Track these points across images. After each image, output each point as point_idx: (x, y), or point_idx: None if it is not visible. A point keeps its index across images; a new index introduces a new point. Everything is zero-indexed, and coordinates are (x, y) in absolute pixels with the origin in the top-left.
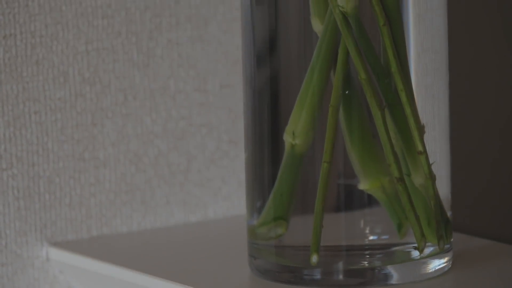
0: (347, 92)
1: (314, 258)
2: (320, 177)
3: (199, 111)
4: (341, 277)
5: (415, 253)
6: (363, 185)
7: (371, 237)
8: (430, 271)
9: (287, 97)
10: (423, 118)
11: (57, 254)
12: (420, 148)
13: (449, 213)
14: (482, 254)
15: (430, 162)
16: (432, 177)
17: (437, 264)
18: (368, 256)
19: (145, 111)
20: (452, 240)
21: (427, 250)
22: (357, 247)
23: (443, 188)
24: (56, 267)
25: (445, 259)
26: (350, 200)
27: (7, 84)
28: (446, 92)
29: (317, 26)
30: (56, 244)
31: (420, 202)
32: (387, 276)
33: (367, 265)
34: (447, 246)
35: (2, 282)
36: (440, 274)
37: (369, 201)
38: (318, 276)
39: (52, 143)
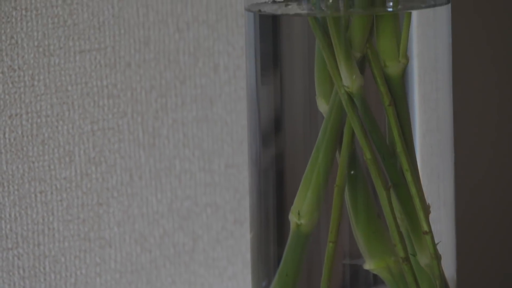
0: (352, 172)
1: None
2: (326, 257)
3: (204, 191)
4: None
5: None
6: (368, 265)
7: None
8: None
9: (292, 176)
10: (428, 198)
11: None
12: (425, 228)
13: None
14: None
15: (436, 242)
16: (437, 257)
17: None
18: None
19: (150, 191)
20: None
21: None
22: None
23: (449, 268)
24: None
25: None
26: (356, 280)
27: (13, 164)
28: (451, 173)
29: (323, 106)
30: None
31: (426, 282)
32: None
33: None
34: None
35: None
36: None
37: (375, 281)
38: None
39: (57, 222)
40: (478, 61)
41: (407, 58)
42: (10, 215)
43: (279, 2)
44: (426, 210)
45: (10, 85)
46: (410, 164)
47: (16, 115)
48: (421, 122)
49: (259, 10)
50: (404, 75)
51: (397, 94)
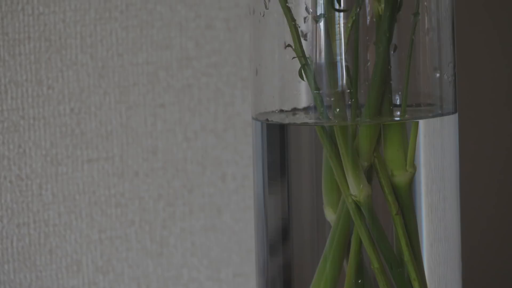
0: (360, 281)
1: None
2: None
3: None
4: None
5: None
6: None
7: None
8: None
9: (300, 286)
10: None
11: None
12: None
13: None
14: None
15: None
16: None
17: None
18: None
19: None
20: None
21: None
22: None
23: None
24: None
25: None
26: None
27: (21, 273)
28: (459, 283)
29: (330, 215)
30: None
31: None
32: None
33: None
34: None
35: None
36: None
37: None
38: None
39: None
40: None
41: (414, 168)
42: None
43: (286, 111)
44: None
45: (18, 194)
46: (417, 273)
47: (24, 224)
48: (428, 231)
49: (267, 119)
50: (411, 184)
51: (404, 203)
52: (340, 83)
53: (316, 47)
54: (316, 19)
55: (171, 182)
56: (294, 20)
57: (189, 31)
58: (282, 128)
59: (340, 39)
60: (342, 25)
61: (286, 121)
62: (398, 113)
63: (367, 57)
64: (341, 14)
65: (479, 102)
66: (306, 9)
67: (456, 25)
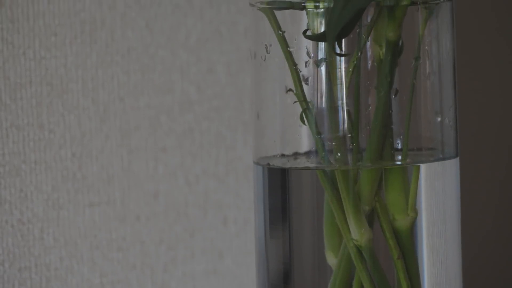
0: None
1: None
2: None
3: None
4: None
5: None
6: None
7: None
8: None
9: None
10: None
11: None
12: None
13: None
14: None
15: None
16: None
17: None
18: None
19: None
20: None
21: None
22: None
23: None
24: None
25: None
26: None
27: None
28: None
29: (331, 259)
30: None
31: None
32: None
33: None
34: None
35: None
36: None
37: None
38: None
39: None
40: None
41: (415, 212)
42: None
43: (287, 155)
44: None
45: (20, 238)
46: None
47: (25, 268)
48: (430, 275)
49: (268, 164)
50: (413, 228)
51: (406, 247)
52: (341, 127)
53: (317, 91)
54: (317, 64)
55: (173, 226)
56: (295, 64)
57: (190, 75)
58: (283, 173)
59: (341, 84)
60: (343, 69)
61: (288, 165)
62: (399, 157)
63: (368, 101)
64: (342, 58)
65: (481, 146)
66: (308, 53)
67: (457, 68)
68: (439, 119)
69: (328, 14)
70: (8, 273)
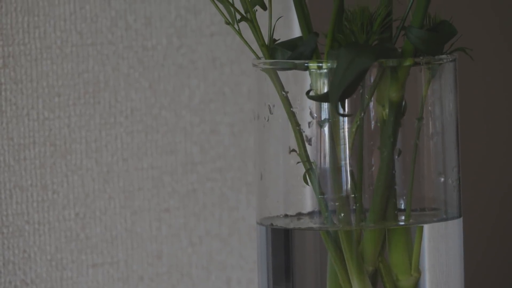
0: None
1: None
2: None
3: None
4: None
5: None
6: None
7: None
8: None
9: None
10: None
11: None
12: None
13: None
14: None
15: None
16: None
17: None
18: None
19: None
20: None
21: None
22: None
23: None
24: None
25: None
26: None
27: None
28: None
29: None
30: None
31: None
32: None
33: None
34: None
35: None
36: None
37: None
38: None
39: None
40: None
41: (419, 272)
42: None
43: (291, 216)
44: None
45: None
46: None
47: None
48: None
49: (271, 224)
50: None
51: None
52: (344, 188)
53: (320, 152)
54: (320, 124)
55: (176, 287)
56: (298, 125)
57: (194, 136)
58: (286, 233)
59: (345, 144)
60: (346, 129)
61: (291, 225)
62: (403, 217)
63: (371, 161)
64: (346, 118)
65: (484, 206)
66: (311, 113)
67: (460, 129)
68: (442, 179)
69: (331, 75)
70: None
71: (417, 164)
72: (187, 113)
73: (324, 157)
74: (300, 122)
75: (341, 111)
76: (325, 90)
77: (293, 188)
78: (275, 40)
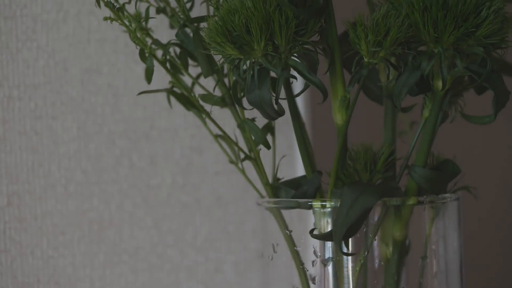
0: None
1: None
2: None
3: None
4: None
5: None
6: None
7: None
8: None
9: None
10: None
11: None
12: None
13: None
14: None
15: None
16: None
17: None
18: None
19: None
20: None
21: None
22: None
23: None
24: None
25: None
26: None
27: None
28: None
29: None
30: None
31: None
32: None
33: None
34: None
35: None
36: None
37: None
38: None
39: None
40: None
41: None
42: None
43: None
44: None
45: None
46: None
47: None
48: None
49: None
50: None
51: None
52: None
53: None
54: (324, 263)
55: None
56: (302, 263)
57: (198, 274)
58: None
59: (348, 283)
60: (350, 268)
61: None
62: None
63: None
64: (350, 257)
65: None
66: (315, 252)
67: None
68: None
69: (335, 214)
70: None
71: None
72: (192, 251)
73: None
74: (304, 261)
75: (345, 250)
76: (329, 229)
77: None
78: (278, 179)
